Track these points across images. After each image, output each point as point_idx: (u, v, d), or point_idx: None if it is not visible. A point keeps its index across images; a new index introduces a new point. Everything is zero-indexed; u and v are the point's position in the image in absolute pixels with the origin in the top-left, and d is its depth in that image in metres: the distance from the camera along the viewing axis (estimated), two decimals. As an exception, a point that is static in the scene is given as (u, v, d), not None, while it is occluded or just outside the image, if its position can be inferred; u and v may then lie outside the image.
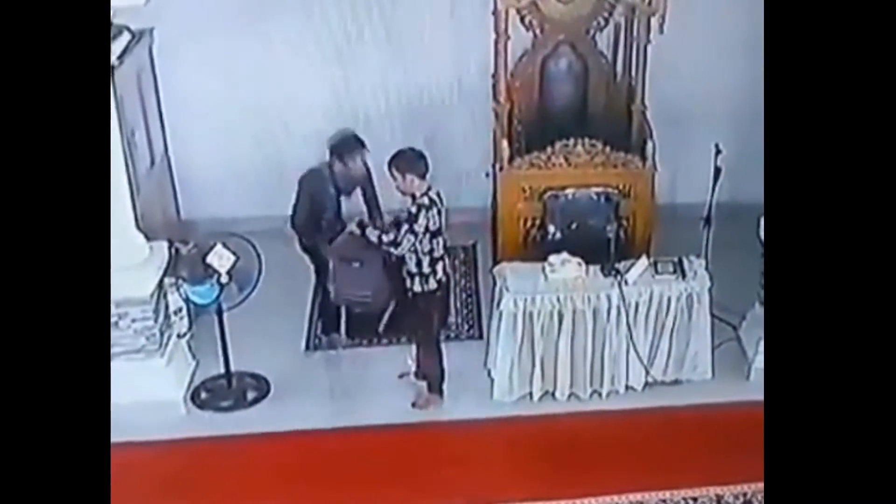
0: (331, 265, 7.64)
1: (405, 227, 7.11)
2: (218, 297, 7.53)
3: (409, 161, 7.20)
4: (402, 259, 7.24)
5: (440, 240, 7.25)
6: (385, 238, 7.23)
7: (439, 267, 7.32)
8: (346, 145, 7.88)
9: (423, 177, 7.16)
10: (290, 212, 8.05)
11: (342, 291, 7.65)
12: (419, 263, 7.22)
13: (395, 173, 7.19)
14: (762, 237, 7.69)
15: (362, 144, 7.84)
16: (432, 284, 7.32)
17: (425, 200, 7.12)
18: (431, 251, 7.21)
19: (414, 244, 7.13)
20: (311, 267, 8.26)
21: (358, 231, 7.49)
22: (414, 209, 7.10)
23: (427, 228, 7.11)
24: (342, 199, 8.07)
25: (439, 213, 7.20)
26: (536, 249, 8.12)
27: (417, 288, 7.30)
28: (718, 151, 8.10)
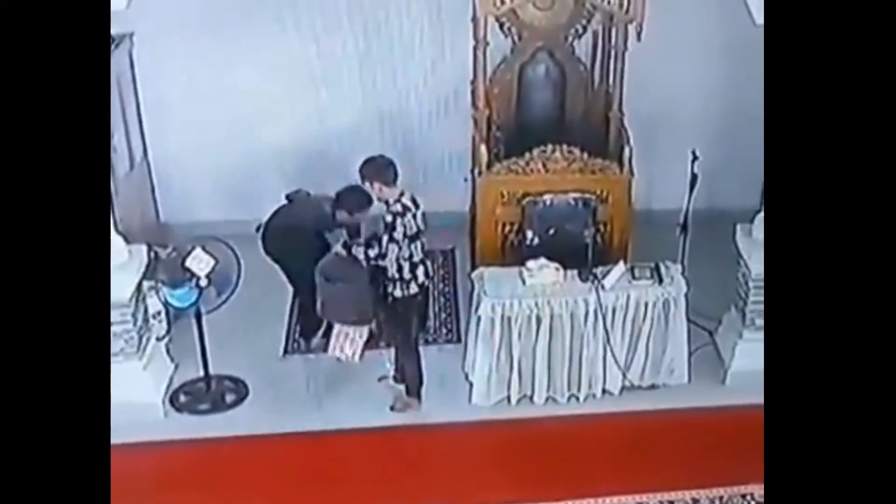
0: (317, 284, 7.64)
1: (385, 237, 7.13)
2: (197, 300, 7.52)
3: (376, 168, 7.23)
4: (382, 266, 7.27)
5: (419, 244, 7.28)
6: (371, 252, 7.24)
7: (420, 272, 7.35)
8: (358, 203, 7.68)
9: (391, 184, 7.18)
10: (267, 213, 8.13)
11: (328, 311, 7.66)
12: (399, 269, 7.24)
13: (365, 180, 7.22)
14: (738, 243, 7.77)
15: (370, 201, 7.67)
16: (413, 289, 7.35)
17: (398, 207, 7.15)
18: (410, 256, 7.23)
19: (399, 252, 7.17)
20: (283, 273, 8.29)
21: (344, 252, 7.49)
22: (389, 218, 7.13)
23: (405, 234, 7.15)
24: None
25: (415, 217, 7.23)
26: (514, 254, 8.15)
27: (398, 293, 7.33)
28: (695, 158, 8.16)
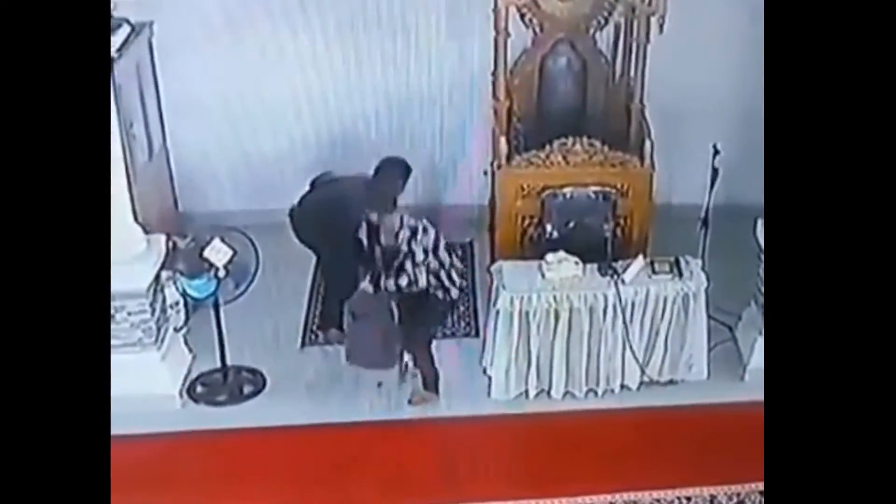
0: (344, 323, 7.69)
1: (409, 264, 7.19)
2: (215, 291, 7.53)
3: (375, 199, 7.28)
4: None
5: (441, 251, 7.31)
6: (402, 282, 7.25)
7: (455, 275, 7.41)
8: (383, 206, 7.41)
9: (391, 210, 7.21)
10: (285, 204, 8.15)
11: (353, 353, 7.64)
12: (438, 278, 7.31)
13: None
14: (759, 238, 7.71)
15: (409, 170, 7.80)
16: (454, 294, 7.45)
17: (407, 233, 7.19)
18: (442, 265, 7.28)
19: (428, 273, 7.22)
20: (314, 258, 8.29)
21: (371, 288, 7.45)
22: (405, 247, 7.18)
23: (425, 252, 7.20)
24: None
25: (425, 230, 7.24)
26: (534, 248, 8.11)
27: (441, 295, 7.38)
28: (717, 152, 8.09)
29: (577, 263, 7.55)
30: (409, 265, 7.18)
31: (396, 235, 7.19)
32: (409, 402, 7.73)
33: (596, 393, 7.79)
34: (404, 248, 7.17)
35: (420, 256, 7.17)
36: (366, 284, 7.48)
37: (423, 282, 7.22)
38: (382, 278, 7.33)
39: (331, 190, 8.17)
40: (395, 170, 7.71)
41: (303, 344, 8.51)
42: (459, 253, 9.48)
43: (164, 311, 7.87)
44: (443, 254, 7.29)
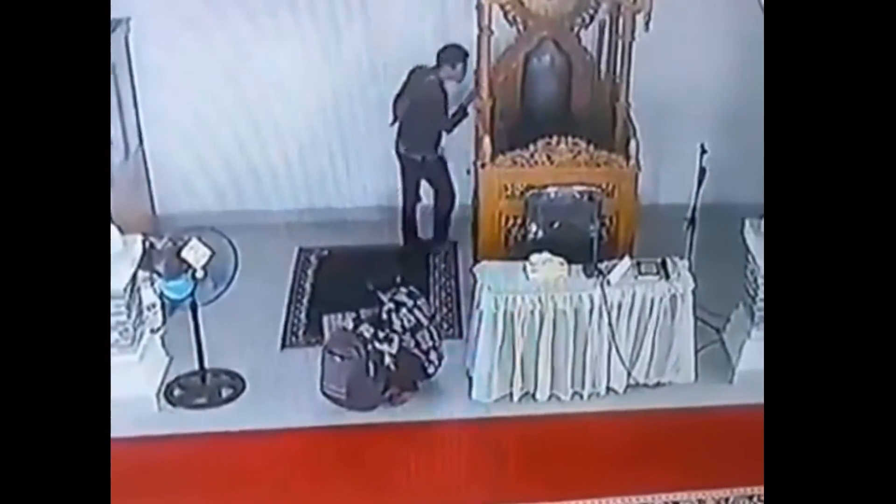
0: (320, 356, 7.64)
1: (386, 330, 7.31)
2: (192, 292, 7.42)
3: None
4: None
5: (425, 333, 7.47)
6: (380, 334, 7.31)
7: (433, 356, 7.58)
8: (455, 55, 8.58)
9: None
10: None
11: (324, 382, 7.57)
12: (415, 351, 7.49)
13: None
14: (747, 238, 7.64)
15: (465, 54, 8.58)
16: (431, 370, 7.64)
17: (392, 305, 7.34)
18: (418, 345, 7.40)
19: (401, 344, 7.33)
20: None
21: (350, 325, 7.47)
22: (385, 316, 7.32)
23: (403, 328, 7.32)
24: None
25: (411, 311, 7.39)
26: (518, 248, 8.03)
27: (419, 364, 7.58)
28: (704, 152, 8.01)
29: (562, 264, 7.46)
30: (387, 329, 7.32)
31: (381, 302, 7.36)
32: (391, 400, 7.61)
33: (581, 395, 7.69)
34: (384, 317, 7.32)
35: (397, 327, 7.33)
36: (348, 321, 7.54)
37: (395, 346, 7.33)
38: (365, 324, 7.39)
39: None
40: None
41: (283, 346, 8.39)
42: (442, 253, 9.42)
43: (140, 312, 7.73)
44: (421, 335, 7.44)
